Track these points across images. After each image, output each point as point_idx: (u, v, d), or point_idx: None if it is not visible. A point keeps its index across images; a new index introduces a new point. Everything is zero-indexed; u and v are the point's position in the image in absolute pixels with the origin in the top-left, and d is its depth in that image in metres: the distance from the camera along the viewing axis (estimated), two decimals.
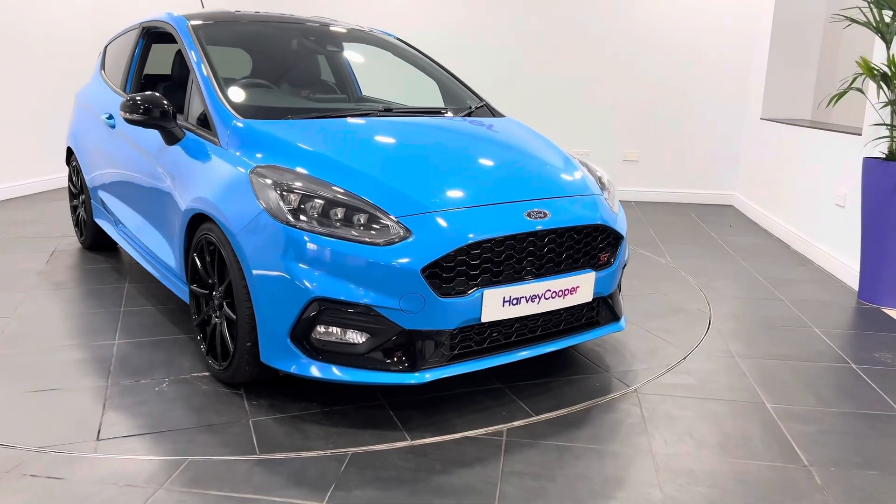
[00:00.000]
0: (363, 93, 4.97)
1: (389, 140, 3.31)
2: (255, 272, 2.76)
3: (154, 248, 3.76)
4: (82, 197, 5.12)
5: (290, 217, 2.69)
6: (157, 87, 4.25)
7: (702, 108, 7.77)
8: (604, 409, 2.97)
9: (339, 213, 2.70)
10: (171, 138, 3.48)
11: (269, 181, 2.81)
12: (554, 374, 3.26)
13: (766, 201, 6.88)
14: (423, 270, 2.61)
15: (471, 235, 2.68)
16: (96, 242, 5.15)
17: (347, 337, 2.70)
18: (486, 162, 3.25)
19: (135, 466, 2.46)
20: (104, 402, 2.90)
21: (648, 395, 3.10)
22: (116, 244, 5.27)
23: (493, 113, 4.05)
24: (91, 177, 4.80)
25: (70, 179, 5.40)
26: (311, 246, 2.65)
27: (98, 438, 2.63)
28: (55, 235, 5.62)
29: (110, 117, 4.33)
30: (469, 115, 3.91)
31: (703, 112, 7.78)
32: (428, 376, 2.69)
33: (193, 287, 3.26)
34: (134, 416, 2.79)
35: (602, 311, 3.18)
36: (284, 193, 2.75)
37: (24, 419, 2.75)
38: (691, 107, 7.78)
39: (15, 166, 7.06)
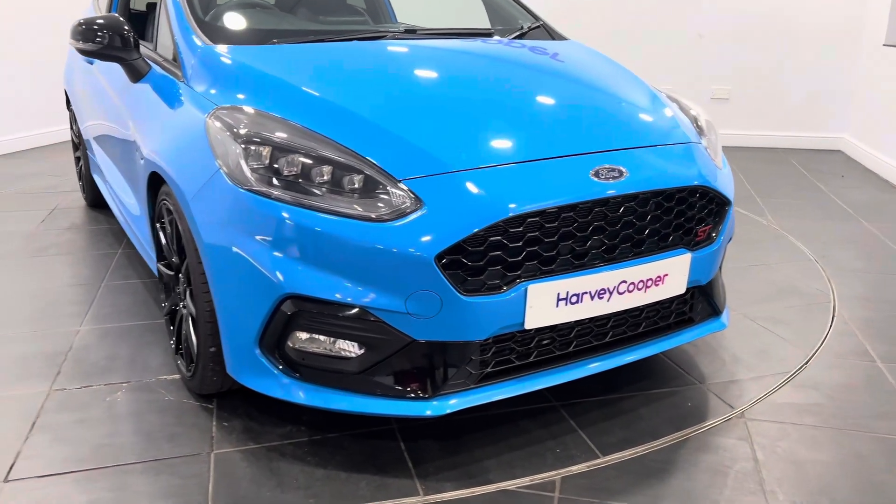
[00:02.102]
0: (398, 20, 4.09)
1: (406, 72, 2.45)
2: (210, 253, 2.00)
3: (130, 210, 3.05)
4: (82, 147, 4.47)
5: (252, 179, 1.91)
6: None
7: (806, 33, 6.54)
8: (699, 446, 2.13)
9: (325, 174, 1.90)
10: (135, 74, 2.71)
11: (228, 130, 2.01)
12: (624, 386, 2.42)
13: (887, 146, 5.70)
14: (439, 258, 1.80)
15: (511, 206, 1.84)
16: (97, 199, 4.51)
17: (337, 348, 1.92)
18: (539, 99, 2.36)
19: None
20: (34, 420, 2.23)
21: (762, 424, 2.23)
22: None
23: (553, 35, 3.12)
24: (84, 125, 4.12)
25: (71, 127, 4.76)
26: (281, 221, 1.86)
27: (6, 479, 1.96)
28: (63, 190, 5.02)
29: None
30: (520, 37, 3.00)
31: (808, 38, 6.54)
32: (450, 404, 1.90)
33: (160, 266, 2.54)
34: (64, 443, 2.11)
35: (698, 303, 2.31)
36: (250, 147, 1.95)
37: None
38: (793, 32, 6.56)
39: (28, 114, 6.49)
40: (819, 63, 6.60)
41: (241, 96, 2.18)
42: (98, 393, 2.38)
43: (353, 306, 1.85)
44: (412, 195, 1.84)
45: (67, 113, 4.84)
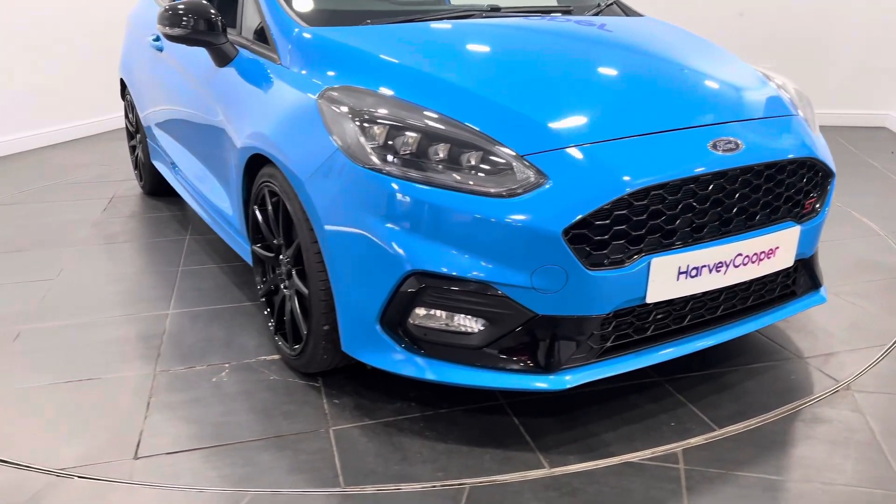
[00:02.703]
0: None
1: (507, 49, 2.45)
2: (329, 232, 2.02)
3: (211, 196, 3.08)
4: (139, 135, 4.50)
5: (374, 157, 1.92)
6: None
7: (849, 10, 6.47)
8: (812, 418, 2.14)
9: (442, 150, 1.91)
10: (222, 58, 2.73)
11: (344, 108, 2.03)
12: (724, 361, 2.43)
13: None
14: (566, 232, 1.81)
15: (636, 179, 1.85)
16: (156, 187, 4.54)
17: (457, 324, 1.94)
18: (645, 73, 2.35)
19: (180, 502, 1.82)
20: (148, 401, 2.27)
21: (870, 395, 2.24)
22: None
23: (626, 12, 3.11)
24: (144, 112, 4.15)
25: (126, 116, 4.79)
26: (404, 198, 1.88)
27: (136, 456, 2.00)
28: (116, 179, 5.06)
29: (157, 38, 3.61)
30: (598, 14, 2.99)
31: (852, 15, 6.47)
32: (570, 379, 1.92)
33: (256, 248, 2.57)
34: (183, 422, 2.15)
35: (800, 277, 2.31)
36: (366, 125, 1.97)
37: (45, 426, 2.15)
38: (837, 9, 6.49)
39: (74, 104, 6.53)
40: (864, 40, 6.53)
41: (346, 77, 2.19)
42: (203, 374, 2.42)
43: (477, 282, 1.87)
44: (536, 170, 1.85)
45: (121, 102, 4.88)
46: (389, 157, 1.92)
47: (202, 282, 3.19)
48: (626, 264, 1.88)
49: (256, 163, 2.47)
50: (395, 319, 1.97)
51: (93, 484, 1.89)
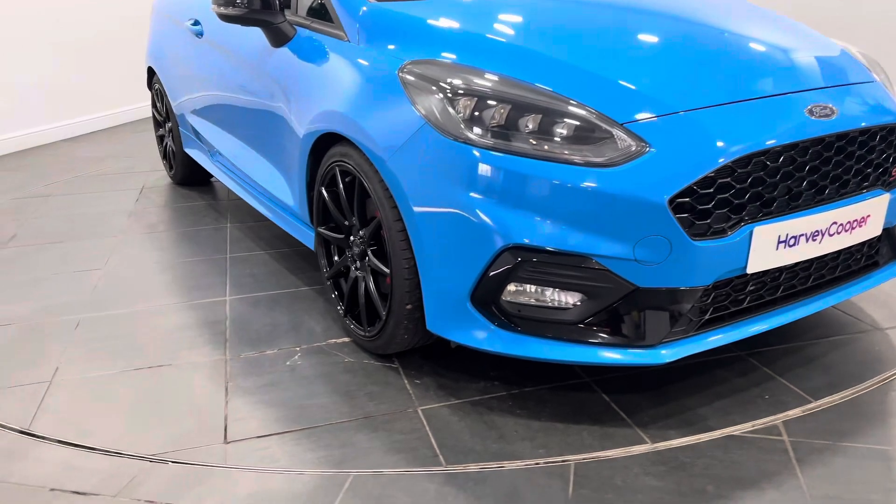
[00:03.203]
0: None
1: (597, 15, 2.40)
2: (417, 210, 1.98)
3: (263, 181, 3.03)
4: (169, 125, 4.44)
5: (465, 130, 1.88)
6: None
7: None
8: None
9: (533, 121, 1.87)
10: (279, 38, 2.67)
11: (429, 81, 1.99)
12: (803, 335, 2.40)
13: None
14: (671, 201, 1.77)
15: (740, 145, 1.81)
16: (188, 176, 4.49)
17: (553, 299, 1.91)
18: (737, 40, 2.29)
19: (282, 485, 1.78)
20: (226, 385, 2.23)
21: None
22: (210, 178, 4.62)
23: None
24: (178, 100, 4.09)
25: (154, 105, 4.72)
26: (498, 171, 1.84)
27: (226, 440, 1.96)
28: (142, 170, 5.00)
29: (196, 23, 3.55)
30: None
31: None
32: (669, 353, 1.88)
33: (322, 230, 2.53)
34: (267, 405, 2.11)
35: (883, 246, 2.28)
36: (454, 97, 1.93)
37: (127, 412, 2.11)
38: None
39: (90, 97, 6.45)
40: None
41: (422, 50, 2.15)
42: (275, 358, 2.38)
43: (577, 255, 1.83)
44: (638, 138, 1.81)
45: (140, 94, 4.82)
46: (480, 130, 1.88)
47: (254, 268, 3.14)
48: (728, 234, 1.85)
49: (322, 143, 2.43)
50: (487, 296, 1.93)
51: (188, 468, 1.85)
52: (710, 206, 1.82)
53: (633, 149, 1.80)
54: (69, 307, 2.78)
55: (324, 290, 2.88)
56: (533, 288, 1.90)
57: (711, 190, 1.81)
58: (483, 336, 1.97)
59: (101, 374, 2.31)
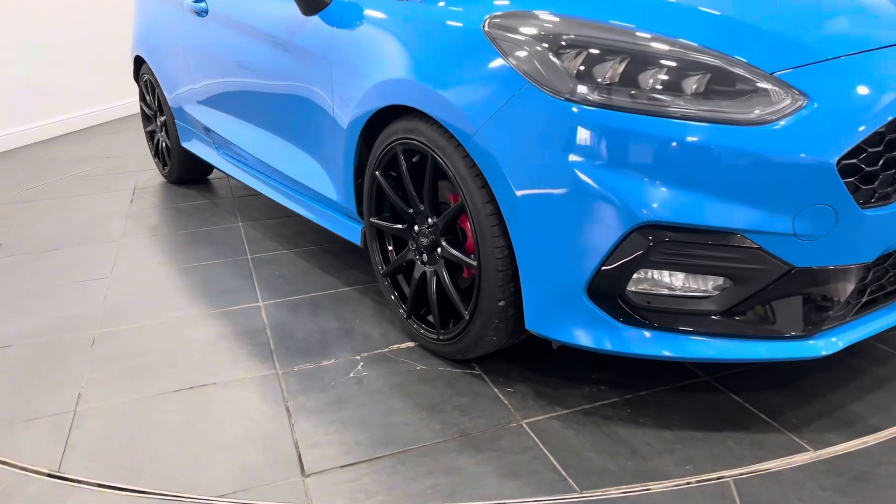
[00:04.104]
0: None
1: None
2: (518, 188, 1.67)
3: (294, 172, 2.68)
4: (162, 118, 4.06)
5: (579, 88, 1.58)
6: None
7: None
8: None
9: (657, 76, 1.57)
10: (311, 3, 2.33)
11: (527, 35, 1.68)
12: None
13: None
14: (838, 162, 1.49)
15: None
16: (185, 174, 4.12)
17: (690, 286, 1.61)
18: None
19: None
20: (286, 405, 1.89)
21: None
22: (209, 175, 4.25)
23: None
24: (175, 91, 3.71)
25: (142, 99, 4.32)
26: (625, 135, 1.54)
27: (304, 472, 1.63)
28: (130, 170, 4.61)
29: (198, 0, 3.19)
30: None
31: None
32: (836, 341, 1.60)
33: (376, 221, 2.20)
34: (342, 427, 1.78)
35: None
36: (561, 50, 1.62)
37: (176, 444, 1.77)
38: None
39: (64, 97, 5.99)
40: None
41: (504, 1, 1.83)
42: (335, 370, 2.05)
43: (723, 231, 1.54)
44: (794, 90, 1.52)
45: (117, 91, 4.44)
46: (598, 87, 1.57)
47: (282, 269, 2.80)
48: (894, 199, 1.57)
49: (376, 122, 2.11)
50: (609, 287, 1.62)
51: None
52: (877, 167, 1.54)
53: (789, 102, 1.51)
54: (81, 322, 2.42)
55: (367, 290, 2.56)
56: (666, 274, 1.61)
57: (880, 148, 1.53)
58: (602, 335, 1.66)
59: (134, 398, 1.96)
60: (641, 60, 1.58)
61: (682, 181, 1.53)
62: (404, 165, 2.02)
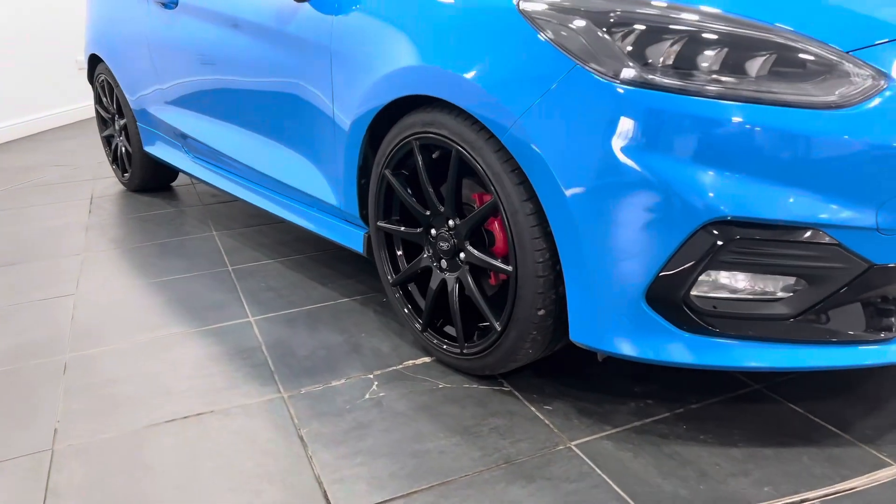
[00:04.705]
0: None
1: None
2: (565, 185, 1.49)
3: (282, 175, 2.45)
4: (122, 121, 3.77)
5: (637, 70, 1.41)
6: None
7: None
8: None
9: (717, 55, 1.41)
10: None
11: (570, 12, 1.51)
12: None
13: None
14: None
15: None
16: (147, 181, 3.84)
17: (758, 288, 1.46)
18: None
19: None
20: (297, 433, 1.67)
21: None
22: (173, 181, 3.97)
23: None
24: (138, 92, 3.44)
25: (98, 101, 4.02)
26: (691, 122, 1.38)
27: None
28: (84, 178, 4.29)
29: None
30: None
31: None
32: None
33: (384, 225, 2.00)
34: (368, 457, 1.57)
35: None
36: (612, 29, 1.46)
37: (178, 486, 1.52)
38: None
39: (4, 103, 5.60)
40: None
41: None
42: (348, 391, 1.84)
43: (800, 226, 1.39)
44: (873, 69, 1.39)
45: (62, 97, 4.13)
46: (655, 69, 1.41)
47: (269, 280, 2.57)
48: None
49: (384, 117, 1.92)
50: (671, 292, 1.46)
51: None
52: None
53: (869, 83, 1.38)
54: (48, 346, 2.14)
55: (368, 301, 2.35)
56: (733, 276, 1.46)
57: None
58: (664, 344, 1.49)
59: (120, 432, 1.71)
60: (696, 40, 1.42)
61: (754, 172, 1.38)
62: (421, 163, 1.82)
